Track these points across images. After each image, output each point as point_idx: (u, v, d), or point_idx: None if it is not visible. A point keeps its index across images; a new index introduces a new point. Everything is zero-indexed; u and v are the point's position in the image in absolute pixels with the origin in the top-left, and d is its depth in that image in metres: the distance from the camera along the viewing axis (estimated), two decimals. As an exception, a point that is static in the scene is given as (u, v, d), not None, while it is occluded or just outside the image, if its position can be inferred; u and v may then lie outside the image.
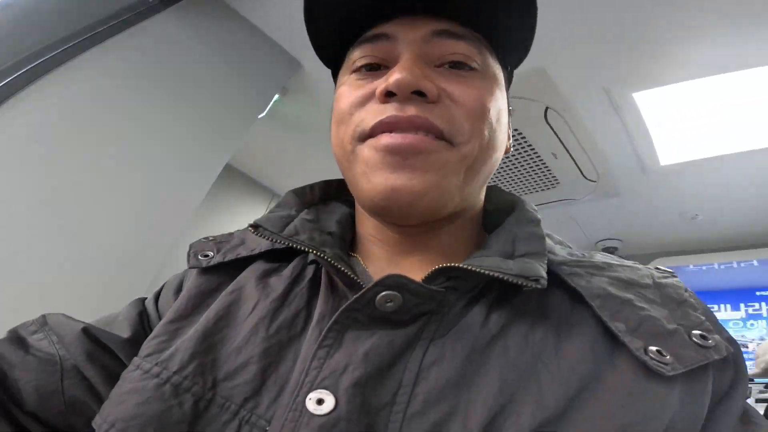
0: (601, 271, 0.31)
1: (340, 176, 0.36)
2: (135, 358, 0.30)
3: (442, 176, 0.29)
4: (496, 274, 0.26)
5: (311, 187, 0.39)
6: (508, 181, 1.61)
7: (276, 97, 1.24)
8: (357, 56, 0.33)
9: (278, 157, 1.78)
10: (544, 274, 0.27)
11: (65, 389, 0.31)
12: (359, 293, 0.26)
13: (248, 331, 0.29)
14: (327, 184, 0.40)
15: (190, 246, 0.39)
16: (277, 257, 0.36)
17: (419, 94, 0.29)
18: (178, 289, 0.37)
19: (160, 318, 0.36)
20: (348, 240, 0.37)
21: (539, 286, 0.26)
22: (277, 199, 1.19)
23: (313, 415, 0.23)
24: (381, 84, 0.30)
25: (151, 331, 0.33)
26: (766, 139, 1.31)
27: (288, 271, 0.34)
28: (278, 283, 0.33)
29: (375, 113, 0.30)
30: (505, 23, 0.33)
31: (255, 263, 0.36)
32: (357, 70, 0.33)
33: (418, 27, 0.32)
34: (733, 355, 0.27)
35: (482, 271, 0.27)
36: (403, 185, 0.28)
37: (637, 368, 0.25)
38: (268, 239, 0.32)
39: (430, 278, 0.27)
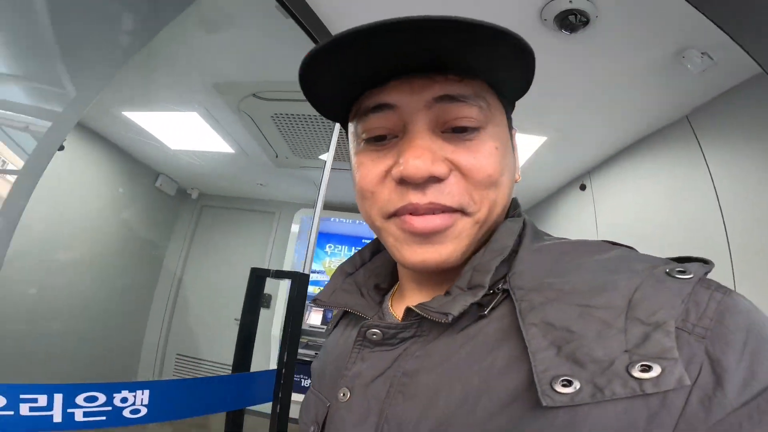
0: (563, 295, 0.29)
1: None
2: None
3: (460, 242, 0.36)
4: (422, 313, 0.34)
5: (360, 252, 0.53)
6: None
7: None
8: (364, 128, 0.37)
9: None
10: (454, 311, 0.31)
11: None
12: (358, 331, 0.39)
13: (326, 357, 0.48)
14: (375, 241, 0.52)
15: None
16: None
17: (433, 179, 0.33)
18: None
19: None
20: (386, 287, 0.49)
21: (447, 321, 0.32)
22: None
23: (339, 402, 0.37)
24: (396, 167, 0.34)
25: None
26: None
27: (345, 320, 0.51)
28: (339, 329, 0.51)
29: (395, 198, 0.35)
30: (498, 64, 0.33)
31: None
32: (368, 141, 0.37)
33: (419, 92, 0.34)
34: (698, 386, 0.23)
35: (416, 310, 0.34)
36: (430, 258, 0.35)
37: (525, 388, 0.26)
38: (322, 307, 0.48)
39: (406, 314, 0.37)
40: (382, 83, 0.35)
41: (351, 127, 0.40)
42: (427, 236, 0.35)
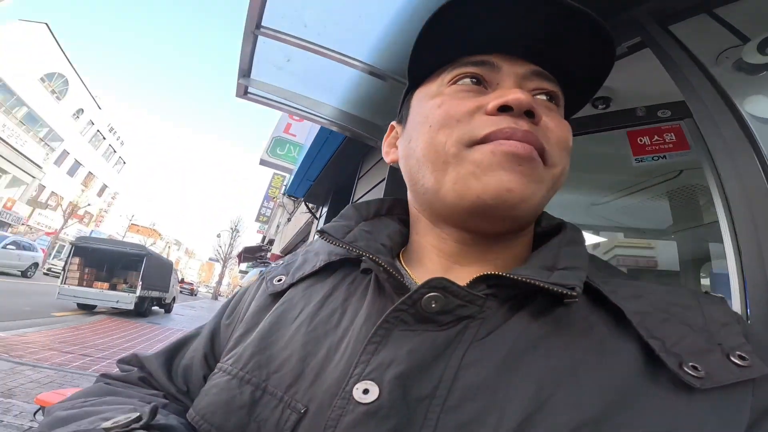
0: (643, 291, 0.33)
1: None
2: (218, 363, 0.37)
3: (540, 189, 0.33)
4: (530, 281, 0.29)
5: (368, 203, 0.45)
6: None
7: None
8: (458, 72, 0.37)
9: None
10: (579, 284, 0.29)
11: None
12: (407, 294, 0.30)
13: (293, 331, 0.35)
14: (381, 202, 0.46)
15: (265, 273, 0.46)
16: (328, 271, 0.41)
17: (528, 114, 0.33)
18: (248, 304, 0.44)
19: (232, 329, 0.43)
20: (396, 252, 0.41)
21: (573, 293, 0.28)
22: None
23: (358, 403, 0.26)
24: (495, 100, 0.33)
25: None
26: None
27: (330, 280, 0.40)
28: (320, 289, 0.39)
29: (488, 123, 0.33)
30: (582, 75, 0.37)
31: (307, 278, 0.41)
32: (457, 83, 0.37)
33: (520, 64, 0.36)
34: None
35: (518, 278, 0.29)
36: (517, 187, 0.31)
37: (671, 382, 0.26)
38: (332, 243, 0.38)
39: (472, 284, 0.31)
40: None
41: (432, 82, 0.39)
42: (520, 162, 0.32)
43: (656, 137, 1.35)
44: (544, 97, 0.36)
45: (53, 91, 21.40)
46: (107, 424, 0.28)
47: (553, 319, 0.30)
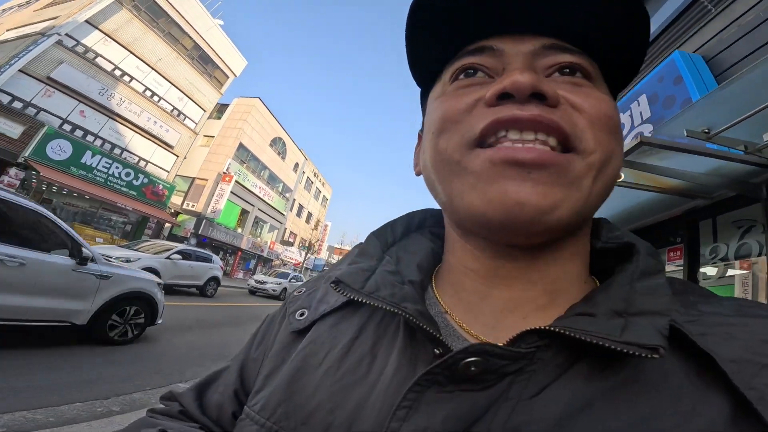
0: (736, 327, 0.26)
1: None
2: (245, 407, 0.36)
3: (574, 191, 0.27)
4: (600, 342, 0.24)
5: (392, 225, 0.41)
6: None
7: None
8: (458, 65, 0.32)
9: None
10: (664, 342, 0.24)
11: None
12: (440, 360, 0.26)
13: (319, 378, 0.32)
14: (409, 218, 0.42)
15: (288, 301, 0.43)
16: (354, 305, 0.37)
17: (539, 98, 0.27)
18: (274, 337, 0.41)
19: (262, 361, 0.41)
20: (429, 276, 0.38)
21: (656, 356, 0.23)
22: None
23: None
24: (493, 87, 0.28)
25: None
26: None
27: (357, 318, 0.36)
28: (347, 329, 0.35)
29: (487, 114, 0.28)
30: (614, 41, 0.30)
31: (331, 313, 0.38)
32: (457, 78, 0.32)
33: (527, 40, 0.30)
34: None
35: (583, 338, 0.24)
36: (528, 199, 0.26)
37: None
38: (350, 297, 0.33)
39: (519, 338, 0.26)
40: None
41: (438, 83, 0.35)
42: (528, 170, 0.26)
43: None
44: (566, 75, 0.30)
45: (278, 153, 27.37)
46: None
47: (620, 370, 0.25)
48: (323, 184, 37.64)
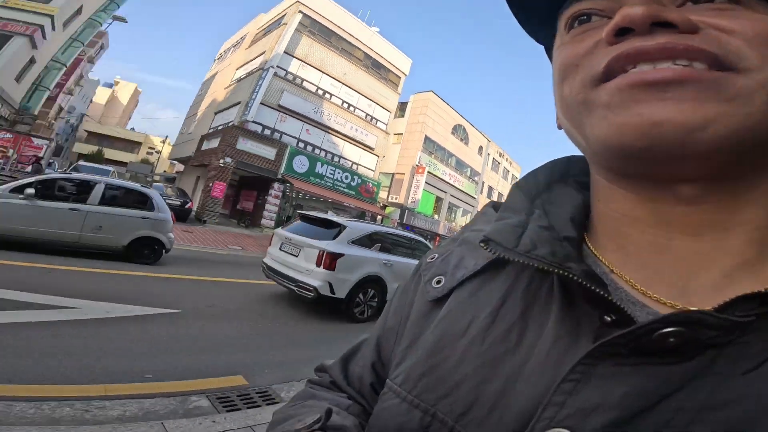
0: None
1: None
2: (387, 381, 0.36)
3: (730, 105, 0.22)
4: None
5: (535, 174, 0.38)
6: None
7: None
8: (571, 12, 0.29)
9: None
10: None
11: None
12: (629, 329, 0.23)
13: (463, 349, 0.31)
14: (552, 165, 0.39)
15: (422, 267, 0.42)
16: (496, 267, 0.35)
17: (668, 27, 0.24)
18: (410, 306, 0.40)
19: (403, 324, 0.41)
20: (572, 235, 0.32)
21: None
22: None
23: None
24: (608, 25, 0.25)
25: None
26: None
27: (501, 281, 0.33)
28: (490, 295, 0.33)
29: (609, 51, 0.25)
30: None
31: (471, 278, 0.36)
32: (571, 27, 0.29)
33: None
34: None
35: None
36: (668, 117, 0.22)
37: None
38: (502, 256, 0.31)
39: (731, 304, 0.22)
40: None
41: (558, 36, 0.31)
42: (664, 90, 0.22)
43: None
44: (702, 2, 0.24)
45: (461, 139, 27.43)
46: (298, 425, 0.33)
47: None
48: (510, 163, 35.77)
